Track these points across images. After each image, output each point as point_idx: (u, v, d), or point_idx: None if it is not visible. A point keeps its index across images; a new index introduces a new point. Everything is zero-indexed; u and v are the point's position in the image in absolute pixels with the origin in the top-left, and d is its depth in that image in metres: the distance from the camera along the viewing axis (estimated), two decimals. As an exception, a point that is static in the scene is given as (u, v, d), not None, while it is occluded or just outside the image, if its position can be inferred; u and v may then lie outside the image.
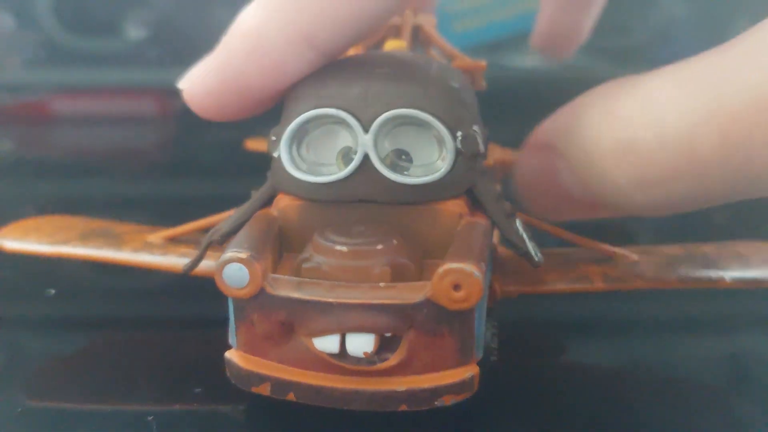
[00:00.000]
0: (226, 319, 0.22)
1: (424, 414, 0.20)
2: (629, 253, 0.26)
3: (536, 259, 0.23)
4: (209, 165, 0.49)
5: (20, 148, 0.54)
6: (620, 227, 0.36)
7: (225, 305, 0.22)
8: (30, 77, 0.56)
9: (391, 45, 0.28)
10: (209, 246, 0.23)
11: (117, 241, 0.27)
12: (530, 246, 0.23)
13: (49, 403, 0.24)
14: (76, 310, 0.30)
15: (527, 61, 0.46)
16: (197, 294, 0.30)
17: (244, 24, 0.22)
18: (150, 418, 0.22)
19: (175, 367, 0.25)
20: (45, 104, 0.55)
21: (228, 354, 0.21)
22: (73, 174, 0.47)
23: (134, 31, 0.56)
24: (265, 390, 0.21)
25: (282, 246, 0.22)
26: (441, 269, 0.19)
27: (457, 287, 0.19)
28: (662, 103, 0.19)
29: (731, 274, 0.24)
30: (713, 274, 0.24)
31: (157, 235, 0.28)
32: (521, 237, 0.23)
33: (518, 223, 0.23)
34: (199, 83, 0.23)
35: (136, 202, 0.31)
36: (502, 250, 0.26)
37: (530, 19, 0.38)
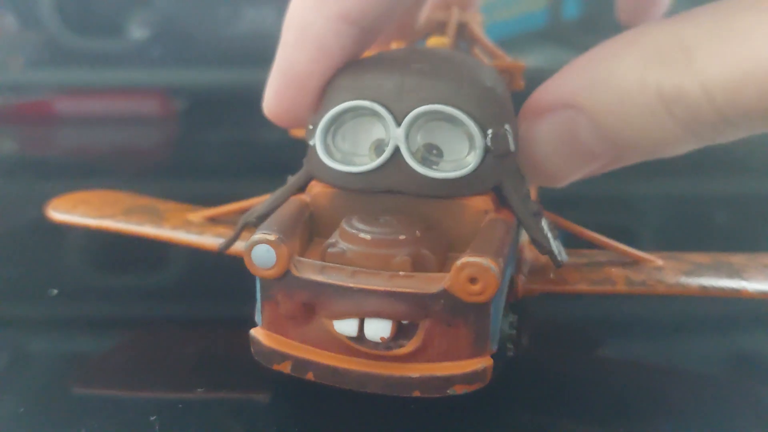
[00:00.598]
0: (229, 319, 0.22)
1: (441, 404, 0.21)
2: (655, 258, 0.26)
3: (559, 258, 0.24)
4: (212, 165, 0.49)
5: (24, 148, 0.55)
6: (628, 229, 0.36)
7: (229, 304, 0.22)
8: (33, 77, 0.57)
9: (434, 42, 0.28)
10: (244, 227, 0.24)
11: (158, 218, 0.28)
12: (554, 245, 0.24)
13: (51, 403, 0.24)
14: (79, 310, 0.30)
15: (532, 60, 0.46)
16: (200, 294, 0.31)
17: (290, 15, 0.23)
18: (153, 417, 0.23)
19: (177, 366, 0.26)
20: (48, 104, 0.56)
21: (253, 331, 0.22)
22: (76, 174, 0.47)
23: (137, 31, 0.56)
24: (285, 368, 0.21)
25: (313, 231, 0.23)
26: (459, 262, 0.20)
27: (473, 280, 0.20)
28: (704, 52, 0.19)
29: (754, 285, 0.24)
30: (736, 284, 0.24)
31: (198, 214, 0.29)
32: (546, 236, 0.23)
33: (544, 223, 0.24)
34: (269, 90, 0.24)
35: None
36: (529, 248, 0.26)
37: (535, 18, 0.38)
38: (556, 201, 0.25)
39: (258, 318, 0.22)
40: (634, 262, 0.26)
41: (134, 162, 0.51)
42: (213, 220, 0.28)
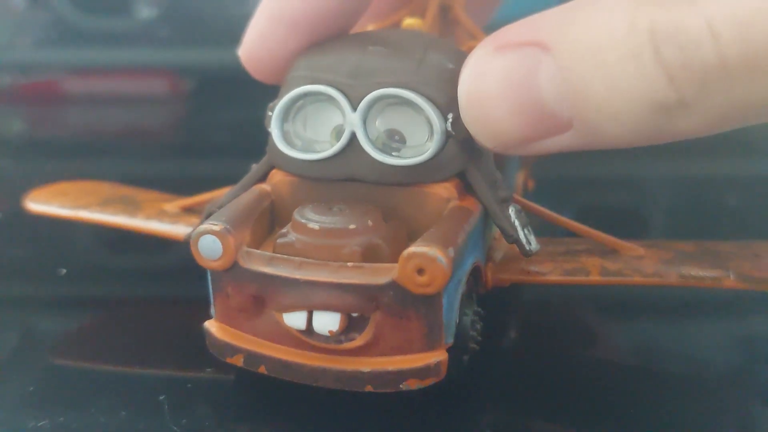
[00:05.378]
0: None
1: (410, 397, 0.20)
2: (636, 247, 0.24)
3: (527, 247, 0.23)
4: (219, 144, 0.49)
5: (31, 128, 0.55)
6: (636, 212, 0.35)
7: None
8: (41, 57, 0.56)
9: (408, 23, 0.28)
10: (209, 217, 0.24)
11: (134, 209, 0.28)
12: (522, 234, 0.23)
13: (60, 383, 0.24)
14: (87, 290, 0.30)
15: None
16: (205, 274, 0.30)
17: None
18: (161, 397, 0.23)
19: (186, 346, 0.25)
20: (56, 84, 0.55)
21: (207, 324, 0.22)
22: (83, 154, 0.47)
23: (145, 11, 0.56)
24: (238, 361, 0.21)
25: (275, 221, 0.23)
26: (405, 252, 0.19)
27: (420, 271, 0.19)
28: None
29: (738, 274, 0.23)
30: (717, 273, 0.23)
31: (174, 204, 0.28)
32: (512, 224, 0.22)
33: (512, 210, 0.23)
34: (251, 32, 0.23)
35: (146, 182, 0.31)
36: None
37: (541, 0, 0.36)
38: (563, 181, 0.24)
39: (212, 310, 0.22)
40: (613, 251, 0.25)
41: (142, 142, 0.51)
42: (188, 210, 0.28)
